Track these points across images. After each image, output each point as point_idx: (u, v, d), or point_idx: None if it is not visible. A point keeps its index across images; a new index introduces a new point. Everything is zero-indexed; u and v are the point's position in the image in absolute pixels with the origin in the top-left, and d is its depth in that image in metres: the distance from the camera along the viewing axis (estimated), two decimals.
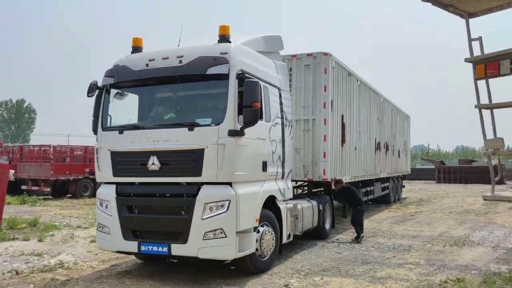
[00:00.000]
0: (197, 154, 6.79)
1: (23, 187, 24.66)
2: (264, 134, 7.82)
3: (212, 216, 6.73)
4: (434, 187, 35.19)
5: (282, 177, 8.74)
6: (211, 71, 6.88)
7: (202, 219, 6.74)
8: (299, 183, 12.56)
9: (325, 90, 11.33)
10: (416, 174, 44.76)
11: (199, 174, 6.81)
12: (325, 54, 11.37)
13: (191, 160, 6.85)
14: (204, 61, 6.98)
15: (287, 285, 7.10)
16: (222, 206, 6.75)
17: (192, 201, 6.80)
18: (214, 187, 6.86)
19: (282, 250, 8.68)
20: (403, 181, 24.11)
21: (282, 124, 8.69)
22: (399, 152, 21.81)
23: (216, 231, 6.71)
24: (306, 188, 12.84)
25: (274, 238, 7.98)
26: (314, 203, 10.67)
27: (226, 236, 6.71)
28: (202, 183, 6.88)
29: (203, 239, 6.72)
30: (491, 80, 9.35)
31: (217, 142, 6.73)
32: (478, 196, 25.64)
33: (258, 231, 7.53)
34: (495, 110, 9.48)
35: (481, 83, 9.39)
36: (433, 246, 10.43)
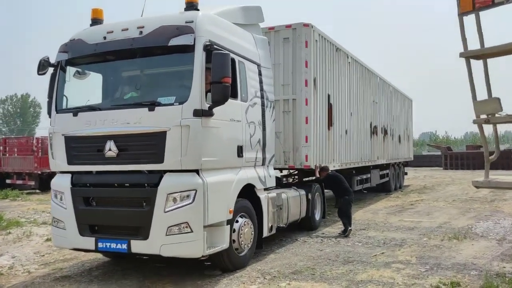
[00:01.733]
0: (158, 138, 6.03)
1: (8, 181, 23.66)
2: (239, 115, 7.04)
3: (176, 208, 5.97)
4: (440, 174, 33.76)
5: (263, 164, 7.91)
6: (174, 42, 6.10)
7: (165, 212, 5.99)
8: (287, 171, 11.47)
9: (306, 66, 10.05)
10: (423, 161, 43.55)
11: (161, 160, 6.04)
12: (306, 25, 10.06)
13: (152, 145, 6.10)
14: (166, 31, 6.18)
15: None
16: (187, 196, 5.99)
17: (154, 192, 6.04)
18: (178, 175, 6.09)
19: (263, 244, 7.82)
20: (405, 168, 22.79)
21: (262, 104, 7.87)
22: (399, 137, 20.46)
23: (180, 225, 5.95)
24: (296, 177, 11.61)
25: (253, 231, 7.30)
26: (302, 192, 9.80)
27: (192, 231, 5.95)
28: (165, 171, 6.11)
29: (166, 235, 5.96)
30: (483, 16, 6.18)
31: (180, 124, 5.96)
32: None
33: (237, 221, 6.90)
34: (490, 60, 6.34)
35: (469, 21, 6.25)
36: (430, 240, 9.18)
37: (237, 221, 6.91)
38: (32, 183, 23.26)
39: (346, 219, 9.94)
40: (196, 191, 6.00)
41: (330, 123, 11.41)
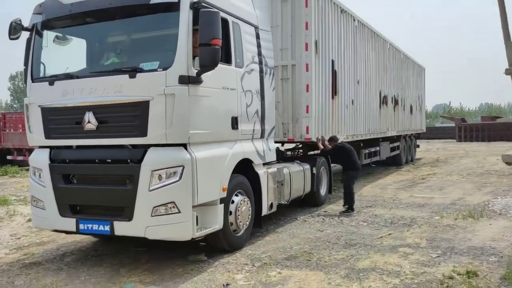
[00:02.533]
0: (140, 108, 5.46)
1: (9, 157, 23.19)
2: (233, 83, 6.42)
3: (162, 187, 5.41)
4: (453, 146, 32.58)
5: (262, 136, 7.34)
6: None
7: (150, 191, 5.43)
8: (292, 145, 10.65)
9: (306, 28, 9.08)
10: (436, 133, 42.39)
11: (144, 133, 5.47)
12: None
13: (134, 116, 5.54)
14: None
15: (228, 284, 5.17)
16: (173, 173, 5.42)
17: (137, 168, 5.48)
18: (164, 149, 5.51)
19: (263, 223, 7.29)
20: (417, 140, 21.78)
21: (261, 71, 7.22)
22: (411, 107, 19.41)
23: (167, 205, 5.41)
24: (301, 151, 10.77)
25: (250, 209, 6.81)
26: (307, 166, 9.16)
27: (179, 212, 5.41)
28: (150, 146, 5.54)
29: (152, 215, 5.43)
30: None
31: (164, 92, 5.36)
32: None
33: (233, 200, 6.38)
34: None
35: None
36: (442, 218, 8.34)
37: (233, 200, 6.39)
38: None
39: (348, 196, 9.16)
40: (184, 167, 5.42)
41: (334, 92, 10.48)
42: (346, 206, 9.14)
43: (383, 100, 14.87)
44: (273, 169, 7.65)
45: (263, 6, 7.73)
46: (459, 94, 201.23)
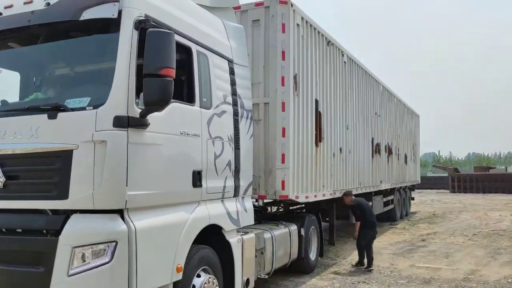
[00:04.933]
0: (61, 160, 4.09)
1: None
2: (197, 128, 5.04)
3: (86, 271, 3.93)
4: (448, 198, 30.90)
5: (235, 195, 5.91)
6: (89, 14, 4.22)
7: (69, 276, 3.94)
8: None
9: (283, 59, 7.34)
10: (427, 183, 40.84)
11: (64, 195, 4.05)
12: (283, 2, 7.37)
13: (53, 171, 4.14)
14: (78, 0, 4.33)
15: None
16: (103, 251, 3.96)
17: (53, 243, 4.01)
18: (91, 218, 4.07)
19: None
20: (411, 192, 19.96)
21: (235, 114, 5.91)
22: (406, 157, 17.70)
23: None
24: (282, 205, 8.88)
25: None
26: (293, 227, 7.85)
27: None
28: (73, 211, 4.09)
29: None
30: None
31: (92, 138, 3.99)
32: (503, 209, 21.49)
33: (194, 286, 4.89)
34: None
35: None
36: None
37: (194, 285, 4.92)
38: None
39: (368, 256, 8.88)
40: (117, 243, 3.98)
41: (318, 138, 8.64)
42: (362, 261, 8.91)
43: (376, 149, 13.10)
44: (251, 235, 6.24)
45: (239, 37, 6.39)
46: (447, 142, 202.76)
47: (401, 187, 17.14)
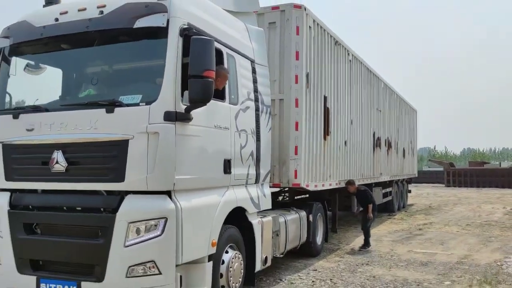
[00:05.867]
0: (118, 149, 4.73)
1: None
2: (227, 122, 5.69)
3: (140, 242, 4.63)
4: (443, 191, 31.71)
5: (256, 181, 6.58)
6: (141, 23, 4.81)
7: (125, 247, 4.64)
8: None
9: (297, 59, 8.00)
10: (423, 177, 41.56)
11: (121, 178, 4.71)
12: (297, 6, 8.03)
13: (110, 158, 4.80)
14: (131, 10, 4.89)
15: None
16: (155, 226, 4.65)
17: (111, 219, 4.69)
18: (144, 198, 4.74)
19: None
20: (409, 185, 20.72)
21: (257, 109, 6.55)
22: (404, 151, 18.41)
23: (145, 264, 4.62)
24: (287, 194, 9.54)
25: (243, 266, 6.04)
26: (303, 213, 8.48)
27: (160, 273, 4.62)
28: (128, 192, 4.76)
29: (127, 276, 4.62)
30: None
31: (146, 130, 4.63)
32: (496, 202, 22.29)
33: (223, 262, 5.57)
34: None
35: None
36: (454, 284, 7.06)
37: (223, 260, 5.60)
38: None
39: (366, 234, 10.10)
40: (167, 219, 4.66)
41: (326, 132, 9.33)
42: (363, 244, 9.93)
43: (377, 143, 13.80)
44: (269, 218, 6.88)
45: (260, 39, 7.04)
46: (443, 138, 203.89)
47: (399, 179, 17.85)
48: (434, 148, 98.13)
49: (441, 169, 44.60)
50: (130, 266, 4.59)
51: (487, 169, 41.05)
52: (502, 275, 7.61)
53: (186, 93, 4.78)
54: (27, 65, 5.68)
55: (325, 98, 9.24)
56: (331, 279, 7.33)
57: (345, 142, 10.67)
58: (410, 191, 21.15)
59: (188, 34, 4.84)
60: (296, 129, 7.97)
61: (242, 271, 5.98)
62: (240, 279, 5.93)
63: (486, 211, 18.24)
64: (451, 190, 32.97)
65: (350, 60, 10.98)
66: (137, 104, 4.76)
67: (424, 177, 41.76)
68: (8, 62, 5.56)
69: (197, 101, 4.75)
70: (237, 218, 5.99)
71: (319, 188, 9.04)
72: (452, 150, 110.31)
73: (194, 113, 4.89)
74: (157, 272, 4.59)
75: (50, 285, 4.88)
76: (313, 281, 7.19)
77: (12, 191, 5.31)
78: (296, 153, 7.94)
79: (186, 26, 4.90)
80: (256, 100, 6.53)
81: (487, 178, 37.13)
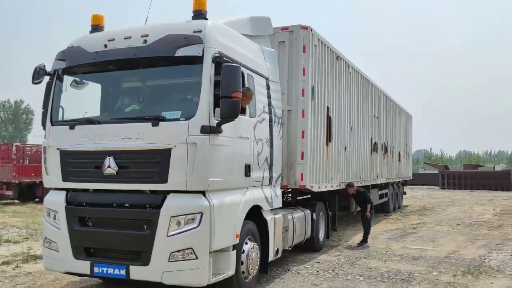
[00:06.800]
0: (162, 156, 5.67)
1: None
2: (247, 132, 6.66)
3: (180, 233, 5.60)
4: (438, 193, 32.74)
5: (270, 183, 7.55)
6: (181, 52, 5.73)
7: (168, 236, 5.61)
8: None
9: (304, 74, 8.98)
10: (419, 179, 42.62)
11: (164, 180, 5.66)
12: (304, 27, 9.02)
13: (155, 163, 5.74)
14: (172, 41, 5.81)
15: None
16: (192, 220, 5.61)
17: (156, 214, 5.68)
18: (183, 196, 5.71)
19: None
20: (404, 187, 21.74)
21: (270, 120, 7.51)
22: (399, 154, 19.41)
23: (184, 251, 5.57)
24: (290, 195, 10.48)
25: (259, 255, 7.01)
26: (307, 212, 9.45)
27: (197, 258, 5.57)
28: (169, 192, 5.75)
29: (169, 261, 5.59)
30: None
31: (186, 141, 5.59)
32: (487, 204, 23.34)
33: (244, 251, 6.51)
34: None
35: None
36: (441, 274, 8.03)
37: (244, 250, 6.54)
38: (10, 193, 22.11)
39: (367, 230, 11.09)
40: (202, 214, 5.62)
41: (328, 138, 10.32)
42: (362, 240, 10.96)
43: (374, 147, 14.79)
44: (279, 215, 7.81)
45: (273, 59, 7.99)
46: (440, 140, 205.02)
47: (394, 182, 18.86)
48: (430, 150, 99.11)
49: (436, 171, 45.46)
50: (172, 252, 5.54)
51: (480, 172, 42.11)
52: (484, 267, 8.59)
53: (217, 110, 5.74)
54: (74, 81, 6.65)
55: (327, 108, 10.23)
56: (333, 270, 8.30)
57: (345, 148, 11.65)
58: (405, 193, 22.15)
59: (219, 61, 5.77)
60: (303, 136, 8.94)
61: (258, 260, 6.91)
62: (257, 267, 6.86)
63: (477, 212, 19.24)
64: (445, 192, 33.97)
65: (350, 72, 11.97)
66: (177, 119, 5.71)
67: (419, 179, 42.77)
68: (61, 81, 6.57)
69: (227, 117, 5.70)
70: (254, 215, 6.89)
71: (322, 189, 10.01)
72: (448, 153, 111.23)
73: (223, 126, 5.85)
74: (194, 257, 5.53)
75: (103, 268, 5.86)
76: (317, 271, 8.16)
77: (68, 190, 6.29)
78: (302, 158, 8.91)
79: (217, 55, 5.83)
80: (270, 112, 7.46)
81: (480, 181, 38.14)
